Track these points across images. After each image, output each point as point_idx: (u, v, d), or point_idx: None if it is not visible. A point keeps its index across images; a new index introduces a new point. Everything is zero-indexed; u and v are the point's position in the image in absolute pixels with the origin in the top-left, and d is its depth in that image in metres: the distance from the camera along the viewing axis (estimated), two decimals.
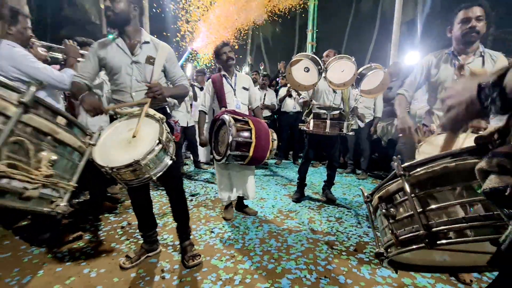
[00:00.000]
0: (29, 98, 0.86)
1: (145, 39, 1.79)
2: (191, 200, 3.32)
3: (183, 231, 2.00)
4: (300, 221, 2.75)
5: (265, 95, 5.44)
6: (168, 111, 1.98)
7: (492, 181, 0.48)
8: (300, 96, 3.27)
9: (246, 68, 13.93)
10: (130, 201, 2.04)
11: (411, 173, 0.76)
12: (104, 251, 2.11)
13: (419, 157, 1.55)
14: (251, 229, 2.56)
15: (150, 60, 1.75)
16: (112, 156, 1.38)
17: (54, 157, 0.97)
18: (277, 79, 6.37)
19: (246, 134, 2.23)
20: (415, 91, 1.96)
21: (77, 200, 2.97)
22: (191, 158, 5.22)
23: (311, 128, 3.00)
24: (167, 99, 1.78)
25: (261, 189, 3.82)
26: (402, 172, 0.77)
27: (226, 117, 2.26)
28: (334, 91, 3.00)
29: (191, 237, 2.06)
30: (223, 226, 2.59)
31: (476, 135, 0.63)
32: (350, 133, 2.96)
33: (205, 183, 4.09)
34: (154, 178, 1.41)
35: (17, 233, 2.17)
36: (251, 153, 2.22)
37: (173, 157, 1.51)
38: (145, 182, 1.43)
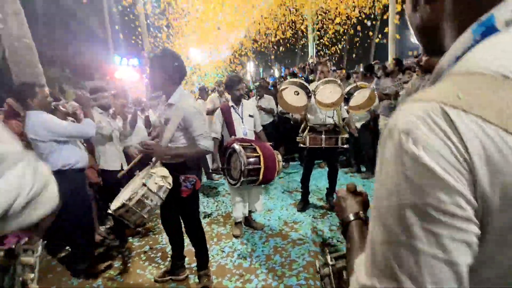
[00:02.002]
0: None
1: (172, 100, 1.95)
2: (204, 217, 3.63)
3: (200, 258, 2.28)
4: (304, 233, 3.00)
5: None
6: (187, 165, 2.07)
7: None
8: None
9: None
10: (151, 223, 2.36)
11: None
12: (131, 277, 2.45)
13: None
14: (258, 245, 2.83)
15: (166, 122, 1.96)
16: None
17: None
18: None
19: (255, 160, 2.54)
20: None
21: (104, 227, 3.35)
22: (202, 169, 5.54)
23: (307, 143, 3.20)
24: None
25: (269, 199, 4.07)
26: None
27: (237, 146, 2.54)
28: None
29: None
30: (232, 244, 2.88)
31: None
32: (345, 146, 3.13)
33: (216, 197, 4.39)
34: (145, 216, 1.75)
35: (61, 262, 2.59)
36: (261, 177, 2.55)
37: (145, 216, 1.79)
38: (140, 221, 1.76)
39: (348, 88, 2.78)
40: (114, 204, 1.75)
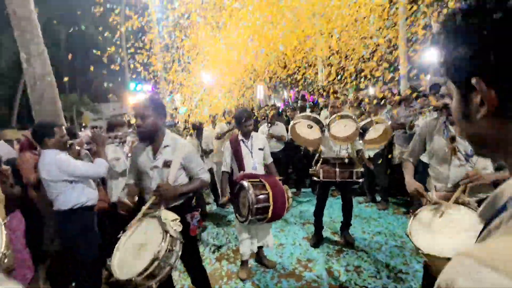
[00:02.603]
0: None
1: (166, 143, 1.99)
2: (214, 252, 3.51)
3: None
4: (319, 273, 2.83)
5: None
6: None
7: None
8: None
9: None
10: None
11: None
12: None
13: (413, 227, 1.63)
14: (271, 286, 2.68)
15: (167, 164, 1.96)
16: (126, 265, 1.62)
17: None
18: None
19: (264, 197, 2.47)
20: (417, 158, 2.06)
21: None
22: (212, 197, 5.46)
23: (321, 176, 3.11)
24: None
25: (280, 232, 3.92)
26: None
27: (245, 184, 2.48)
28: None
29: None
30: (244, 285, 2.74)
31: None
32: (360, 180, 3.02)
33: (227, 228, 4.27)
34: (155, 286, 1.59)
35: None
36: (269, 215, 2.47)
37: (173, 265, 1.67)
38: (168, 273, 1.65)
39: (363, 123, 2.73)
40: (131, 270, 1.57)
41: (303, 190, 5.89)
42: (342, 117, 2.68)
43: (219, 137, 5.11)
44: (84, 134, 4.01)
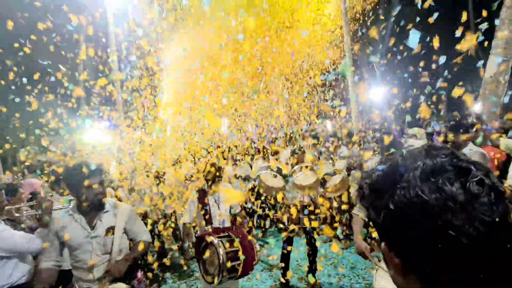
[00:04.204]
0: None
1: (107, 208, 1.84)
2: None
3: None
4: None
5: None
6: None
7: None
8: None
9: None
10: None
11: None
12: None
13: (378, 282, 1.69)
14: None
15: (109, 231, 1.80)
16: None
17: None
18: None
19: (234, 255, 2.39)
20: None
21: None
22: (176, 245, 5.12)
23: (286, 222, 3.15)
24: None
25: (247, 280, 3.78)
26: None
27: (215, 241, 2.37)
28: None
29: None
30: None
31: None
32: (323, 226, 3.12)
33: (190, 279, 3.98)
34: None
35: None
36: (239, 273, 2.40)
37: None
38: None
39: (324, 173, 2.89)
40: None
41: (269, 230, 5.85)
42: (303, 167, 2.82)
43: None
44: (27, 184, 3.57)
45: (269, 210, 5.29)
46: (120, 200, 3.64)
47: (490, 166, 3.08)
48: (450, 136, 3.00)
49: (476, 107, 4.05)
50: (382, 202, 0.50)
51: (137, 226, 1.98)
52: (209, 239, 2.43)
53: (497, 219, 0.44)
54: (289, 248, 3.44)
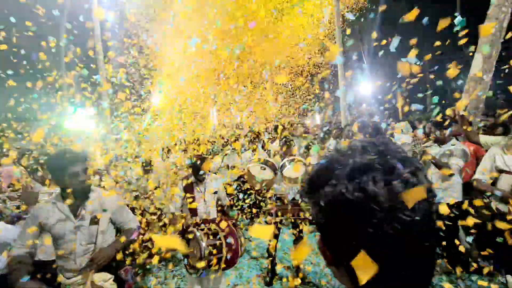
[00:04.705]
0: None
1: (92, 198, 1.80)
2: None
3: None
4: None
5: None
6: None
7: None
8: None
9: None
10: None
11: None
12: None
13: None
14: None
15: (94, 221, 1.77)
16: None
17: None
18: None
19: (217, 247, 2.37)
20: None
21: None
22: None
23: (274, 214, 3.18)
24: None
25: (234, 270, 3.82)
26: None
27: (197, 233, 2.37)
28: None
29: None
30: None
31: None
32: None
33: (176, 269, 4.00)
34: None
35: None
36: (223, 265, 2.38)
37: None
38: None
39: (310, 167, 2.91)
40: None
41: (255, 220, 5.91)
42: (293, 160, 2.83)
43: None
44: (6, 173, 3.40)
45: (258, 201, 5.33)
46: (104, 188, 3.56)
47: (471, 161, 3.20)
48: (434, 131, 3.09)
49: (460, 103, 4.16)
50: (315, 198, 0.52)
51: (124, 214, 1.95)
52: (192, 231, 2.42)
53: (417, 218, 0.44)
54: (273, 242, 3.49)
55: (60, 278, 1.67)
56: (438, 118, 3.15)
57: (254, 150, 5.22)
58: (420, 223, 0.45)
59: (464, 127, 2.98)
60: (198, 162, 2.73)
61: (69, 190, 1.68)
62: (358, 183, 0.46)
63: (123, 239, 1.86)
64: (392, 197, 0.44)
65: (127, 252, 1.99)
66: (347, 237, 0.48)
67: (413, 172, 0.47)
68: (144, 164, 4.31)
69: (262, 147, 5.29)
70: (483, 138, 2.89)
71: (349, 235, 0.47)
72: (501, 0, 4.22)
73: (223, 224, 2.53)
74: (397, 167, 0.46)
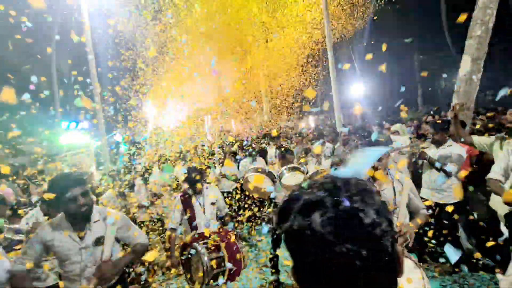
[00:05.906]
0: None
1: (94, 218, 1.77)
2: None
3: None
4: None
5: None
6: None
7: None
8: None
9: None
10: None
11: None
12: None
13: None
14: None
15: (99, 241, 1.74)
16: None
17: None
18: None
19: (219, 261, 2.39)
20: None
21: None
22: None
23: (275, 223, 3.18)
24: None
25: (237, 281, 3.78)
26: None
27: (199, 247, 2.36)
28: None
29: None
30: None
31: None
32: None
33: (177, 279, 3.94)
34: None
35: None
36: (225, 279, 2.39)
37: None
38: None
39: (310, 174, 2.93)
40: None
41: (256, 227, 5.87)
42: (292, 169, 2.85)
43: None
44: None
45: (258, 209, 5.31)
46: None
47: (465, 162, 3.25)
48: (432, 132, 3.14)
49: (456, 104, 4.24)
50: (281, 227, 0.56)
51: (130, 231, 1.92)
52: (194, 246, 2.41)
53: (363, 252, 0.47)
54: (276, 252, 3.47)
55: None
56: (430, 119, 3.21)
57: (254, 158, 5.23)
58: (367, 256, 0.47)
59: (457, 129, 3.04)
60: (193, 174, 2.73)
61: (70, 216, 1.68)
62: (304, 217, 0.50)
63: (131, 254, 1.86)
64: (335, 230, 0.47)
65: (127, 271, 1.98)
66: (298, 264, 0.53)
67: (362, 209, 0.49)
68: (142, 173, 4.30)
69: (250, 155, 5.29)
70: (476, 139, 2.95)
71: (300, 263, 0.53)
72: (486, 2, 4.34)
73: (224, 237, 2.53)
74: (343, 203, 0.50)
